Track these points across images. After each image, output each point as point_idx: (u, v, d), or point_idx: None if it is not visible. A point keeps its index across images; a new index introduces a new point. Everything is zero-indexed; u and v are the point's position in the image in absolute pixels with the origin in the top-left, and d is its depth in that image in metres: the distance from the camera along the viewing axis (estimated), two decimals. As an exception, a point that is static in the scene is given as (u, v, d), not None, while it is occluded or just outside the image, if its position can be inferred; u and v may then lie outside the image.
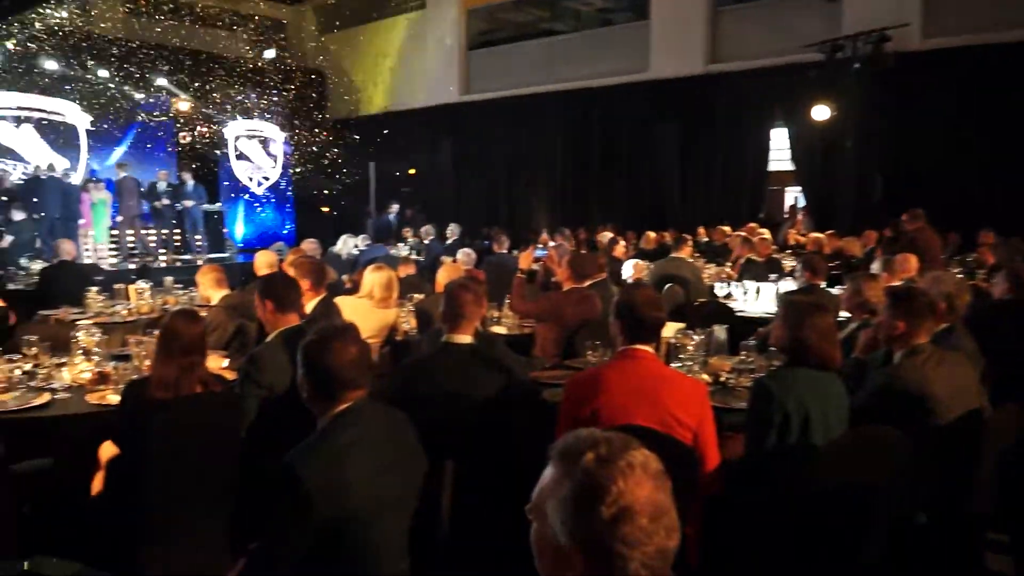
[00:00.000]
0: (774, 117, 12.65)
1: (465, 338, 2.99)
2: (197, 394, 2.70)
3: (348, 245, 9.77)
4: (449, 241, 11.31)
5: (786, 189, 14.98)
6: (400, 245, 12.25)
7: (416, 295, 5.87)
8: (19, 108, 13.13)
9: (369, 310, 4.68)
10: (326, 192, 16.72)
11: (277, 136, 16.63)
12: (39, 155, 13.16)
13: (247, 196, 16.19)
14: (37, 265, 8.72)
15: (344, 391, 2.04)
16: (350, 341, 2.08)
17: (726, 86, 12.54)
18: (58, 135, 13.65)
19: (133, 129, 14.95)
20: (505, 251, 9.48)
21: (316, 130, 16.76)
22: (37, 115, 13.38)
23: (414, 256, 10.57)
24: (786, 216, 13.06)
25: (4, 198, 11.29)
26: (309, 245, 7.33)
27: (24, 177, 12.23)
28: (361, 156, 16.87)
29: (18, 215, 10.78)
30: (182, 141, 15.62)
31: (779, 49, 11.73)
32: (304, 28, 17.21)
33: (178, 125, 15.58)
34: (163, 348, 2.69)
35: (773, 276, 7.07)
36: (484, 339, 3.36)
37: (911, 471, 2.36)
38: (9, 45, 12.33)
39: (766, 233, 9.23)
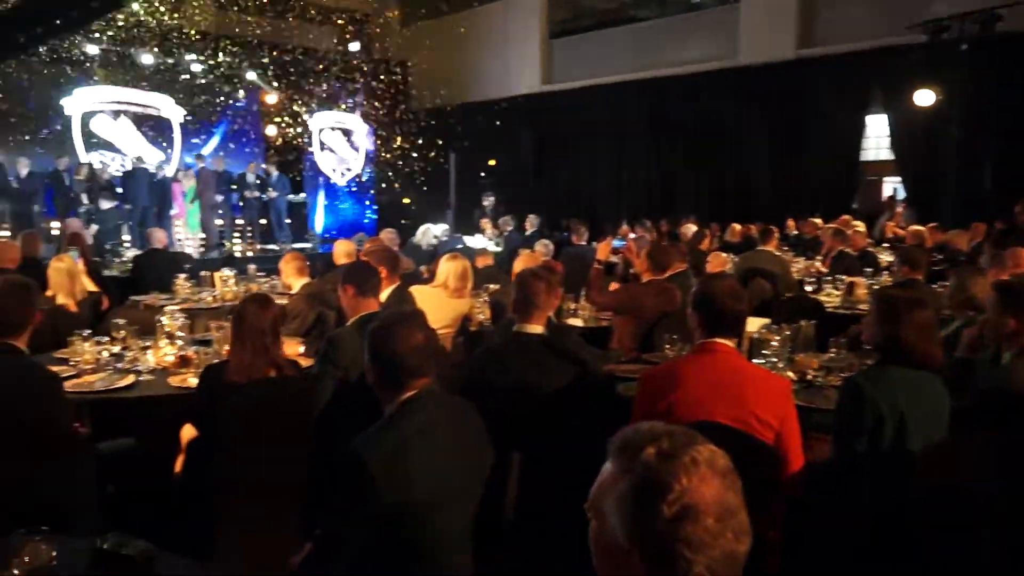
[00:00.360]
0: (871, 103, 12.08)
1: (536, 328, 2.94)
2: (271, 378, 2.75)
3: (428, 236, 9.88)
4: (528, 232, 11.30)
5: (884, 179, 14.30)
6: (478, 236, 12.33)
7: (492, 286, 5.88)
8: (117, 102, 13.83)
9: (443, 299, 4.70)
10: (407, 183, 16.96)
11: (360, 128, 16.96)
12: (135, 147, 13.86)
13: (330, 187, 16.60)
14: (131, 252, 9.15)
15: (409, 378, 2.03)
16: (416, 328, 2.06)
17: (819, 71, 12.06)
18: (153, 128, 14.36)
19: (224, 122, 15.51)
20: (584, 243, 9.40)
21: (398, 122, 16.99)
22: (134, 109, 14.08)
23: (493, 247, 10.61)
24: (883, 208, 12.46)
25: (103, 189, 11.91)
26: (387, 235, 7.44)
27: (121, 169, 12.85)
28: (442, 147, 17.04)
29: (105, 204, 11.40)
30: (269, 134, 16.10)
31: (878, 30, 11.19)
32: (388, 20, 17.45)
33: (265, 118, 16.08)
34: (236, 333, 2.75)
35: (868, 270, 6.75)
36: (556, 330, 3.31)
37: (1021, 480, 2.18)
38: (107, 40, 12.96)
39: (860, 225, 8.83)
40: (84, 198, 11.64)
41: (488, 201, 14.50)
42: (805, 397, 3.09)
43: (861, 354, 3.39)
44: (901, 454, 2.32)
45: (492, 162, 17.21)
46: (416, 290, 4.69)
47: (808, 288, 6.49)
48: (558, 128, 15.84)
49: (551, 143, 16.17)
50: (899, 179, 12.57)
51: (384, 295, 4.17)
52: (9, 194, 11.27)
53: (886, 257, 7.79)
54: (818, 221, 10.36)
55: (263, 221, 14.30)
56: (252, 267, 6.80)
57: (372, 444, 1.91)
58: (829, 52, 11.96)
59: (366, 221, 16.77)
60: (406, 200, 17.30)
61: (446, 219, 15.34)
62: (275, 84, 15.54)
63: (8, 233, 10.48)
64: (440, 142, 16.96)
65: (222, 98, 15.08)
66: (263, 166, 14.65)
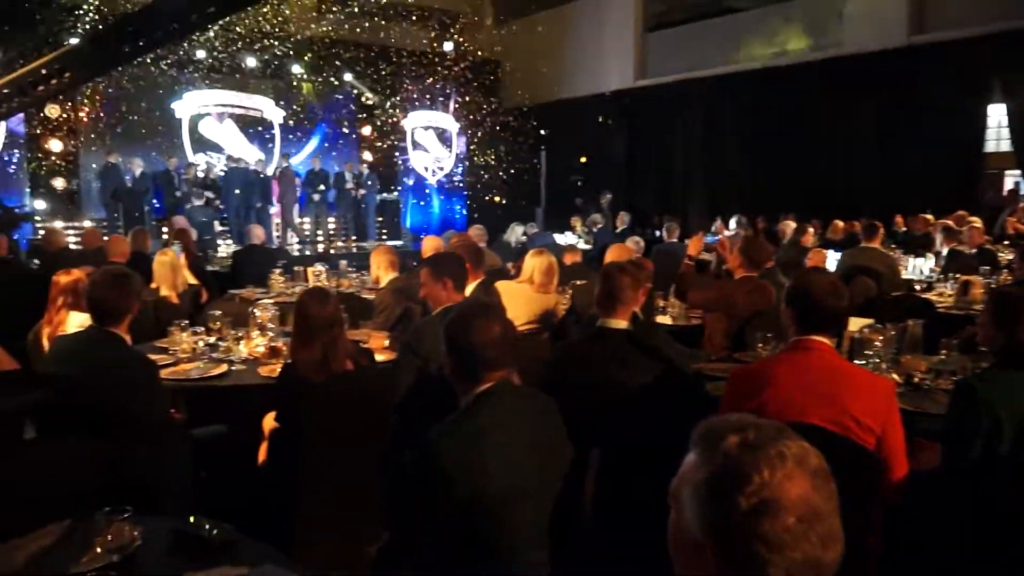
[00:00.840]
0: (991, 92, 11.32)
1: (620, 323, 2.87)
2: (347, 372, 2.77)
3: (516, 233, 9.90)
4: (619, 230, 11.17)
5: (1006, 173, 13.40)
6: (568, 234, 12.28)
7: (578, 281, 5.81)
8: (222, 105, 14.53)
9: (528, 295, 4.67)
10: (498, 181, 17.07)
11: (452, 126, 17.18)
12: (239, 148, 14.50)
13: (422, 185, 16.90)
14: (231, 248, 9.56)
15: (485, 371, 2.00)
16: (493, 320, 2.03)
17: (933, 59, 11.38)
18: (256, 129, 15.00)
19: (323, 124, 16.02)
20: (675, 240, 9.20)
21: (490, 120, 17.12)
22: (238, 111, 14.73)
23: (583, 245, 10.54)
24: (1005, 202, 11.66)
25: (206, 187, 12.52)
26: (475, 231, 7.49)
27: (227, 167, 13.44)
28: (533, 145, 17.06)
29: (196, 201, 11.94)
30: (364, 133, 16.51)
31: (999, 14, 10.48)
32: (481, 18, 17.61)
33: (360, 117, 16.53)
34: (299, 330, 2.79)
35: (986, 268, 6.32)
36: (642, 326, 3.21)
37: None
38: (212, 45, 13.62)
39: (977, 221, 8.28)
40: (191, 196, 12.22)
41: (606, 200, 14.41)
42: (911, 400, 2.90)
43: (975, 357, 3.15)
44: (1022, 461, 2.14)
45: (583, 159, 17.11)
46: (501, 285, 4.68)
47: (918, 288, 6.13)
48: (651, 124, 15.58)
49: (643, 139, 15.92)
50: (1020, 173, 11.74)
51: (469, 290, 4.18)
52: (124, 193, 11.94)
53: (1007, 255, 7.27)
54: (929, 217, 9.79)
55: (353, 218, 14.74)
56: (343, 263, 6.96)
57: (446, 436, 1.89)
58: (944, 38, 11.27)
59: (457, 219, 17.02)
60: (497, 198, 17.41)
61: (536, 217, 15.34)
62: (370, 85, 15.94)
63: (121, 230, 11.11)
64: (531, 140, 16.99)
65: (320, 99, 15.59)
66: (357, 165, 15.05)
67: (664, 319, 5.03)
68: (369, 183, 14.57)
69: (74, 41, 11.44)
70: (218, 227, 12.37)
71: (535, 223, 11.40)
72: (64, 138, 12.82)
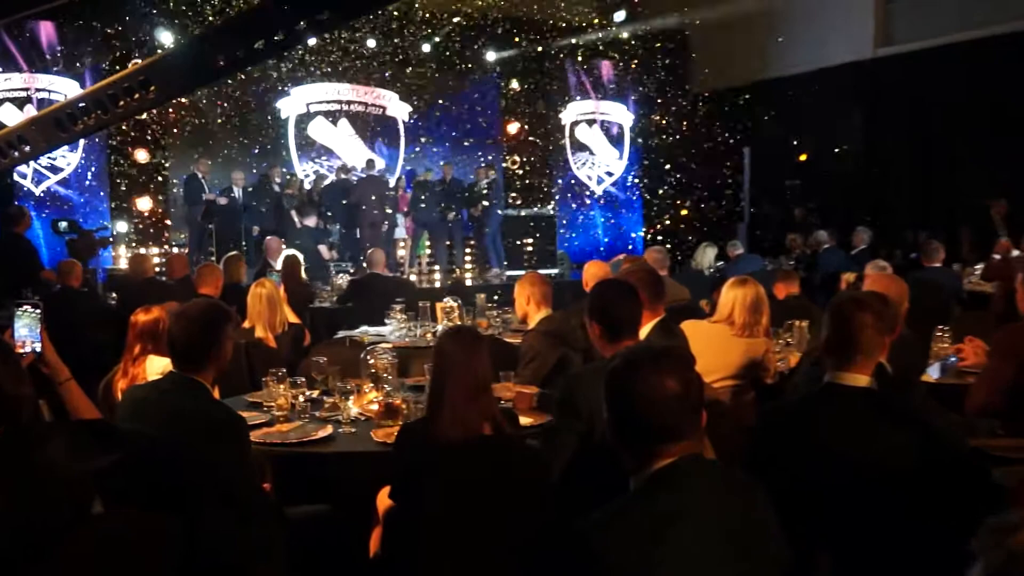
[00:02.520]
0: None
1: (860, 378, 2.71)
2: (486, 438, 2.77)
3: (709, 257, 9.74)
4: (855, 251, 10.74)
5: None
6: (782, 257, 11.95)
7: (800, 322, 5.62)
8: (338, 101, 15.45)
9: (727, 339, 4.56)
10: (685, 189, 16.92)
11: (624, 119, 17.26)
12: (354, 153, 15.30)
13: (584, 196, 17.08)
14: (345, 278, 9.99)
15: (662, 441, 1.93)
16: (671, 369, 1.96)
17: None
18: (376, 129, 15.80)
19: (453, 119, 16.59)
20: (938, 264, 8.72)
21: (674, 109, 17.05)
22: (355, 107, 15.56)
23: (802, 272, 10.21)
24: None
25: (311, 203, 13.24)
26: (652, 255, 7.42)
27: (354, 177, 14.12)
28: (732, 140, 16.81)
29: (306, 221, 12.56)
30: (509, 131, 16.91)
31: None
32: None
33: (505, 112, 16.99)
34: (439, 378, 2.83)
35: None
36: (892, 382, 3.02)
37: None
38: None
39: None
40: (294, 215, 12.93)
41: (797, 210, 13.99)
42: None
43: None
44: None
45: (802, 157, 16.63)
46: (689, 327, 4.59)
47: None
48: (897, 107, 14.91)
49: (887, 127, 15.25)
50: None
51: (644, 331, 4.11)
52: (217, 212, 12.82)
53: None
54: None
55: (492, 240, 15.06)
56: (481, 296, 7.08)
57: (608, 527, 1.84)
58: None
59: (630, 239, 17.02)
60: (683, 211, 17.24)
61: (737, 235, 15.01)
62: (514, 69, 16.36)
63: (213, 257, 11.90)
64: (729, 134, 16.75)
65: (451, 90, 16.22)
66: (490, 172, 15.21)
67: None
68: (492, 195, 14.67)
69: (167, 43, 12.60)
70: (325, 252, 12.97)
71: (736, 242, 11.13)
72: (152, 147, 13.94)
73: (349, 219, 13.49)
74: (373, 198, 13.28)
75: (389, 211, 13.70)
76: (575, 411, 3.10)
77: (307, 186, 14.01)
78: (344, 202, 13.39)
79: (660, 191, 17.26)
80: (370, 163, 14.19)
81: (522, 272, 13.30)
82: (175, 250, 12.81)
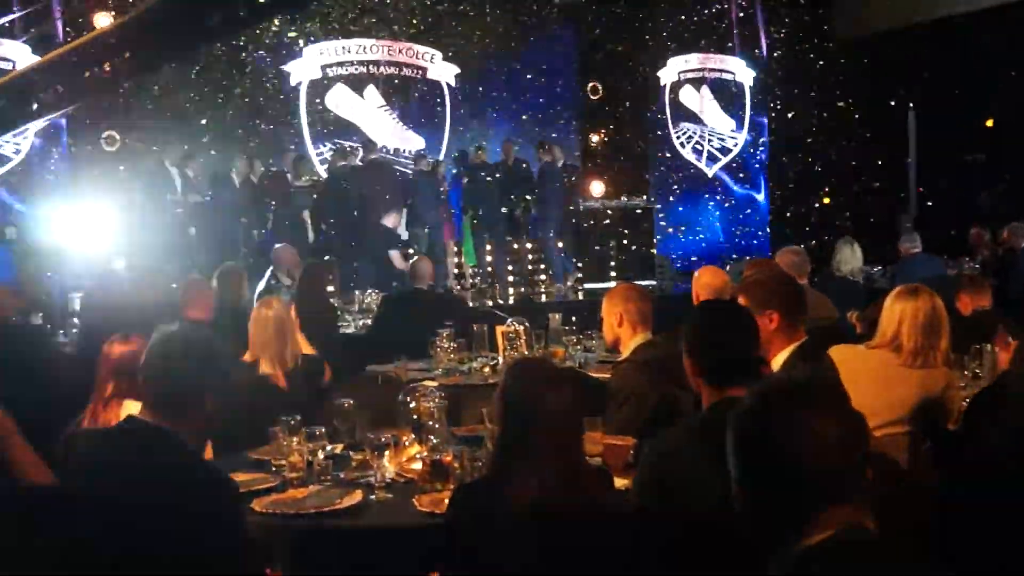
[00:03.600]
0: None
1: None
2: (572, 503, 2.74)
3: (854, 258, 9.54)
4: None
5: None
6: (963, 259, 11.74)
7: (999, 349, 5.46)
8: (362, 62, 15.67)
9: (893, 370, 4.45)
10: (827, 167, 16.72)
11: (743, 77, 17.17)
12: (387, 130, 15.45)
13: (690, 181, 17.04)
14: (375, 295, 10.05)
15: (814, 506, 1.89)
16: (826, 407, 1.91)
17: None
18: (414, 98, 15.92)
19: (514, 83, 16.64)
20: None
21: (812, 61, 16.87)
22: (386, 70, 15.77)
23: (993, 280, 10.01)
24: None
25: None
26: (786, 257, 7.28)
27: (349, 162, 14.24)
28: (891, 102, 16.58)
29: (387, 221, 12.73)
30: (588, 97, 16.90)
31: None
32: None
33: (580, 72, 16.99)
34: (502, 428, 2.81)
35: None
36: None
37: None
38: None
39: None
40: (306, 214, 13.06)
41: (984, 192, 13.68)
42: None
43: None
44: None
45: (989, 122, 16.36)
46: (841, 353, 4.49)
47: None
48: None
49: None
50: None
51: (778, 360, 4.04)
52: (209, 211, 12.99)
53: None
54: None
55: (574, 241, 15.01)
56: (556, 316, 7.03)
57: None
58: None
59: (754, 237, 16.96)
60: (826, 199, 17.05)
61: (899, 226, 14.75)
62: (598, 13, 16.35)
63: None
64: (888, 94, 16.55)
65: (513, 43, 16.25)
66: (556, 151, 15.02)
67: None
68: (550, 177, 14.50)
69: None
70: (398, 259, 13.05)
71: (915, 236, 10.80)
72: (121, 128, 13.99)
73: (348, 220, 13.45)
74: (378, 188, 13.33)
75: (436, 205, 13.80)
76: (664, 489, 3.02)
77: (324, 174, 14.11)
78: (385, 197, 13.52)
79: (793, 172, 17.08)
80: (406, 143, 14.30)
81: (610, 284, 13.29)
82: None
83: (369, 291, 10.42)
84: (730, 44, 17.37)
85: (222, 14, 2.68)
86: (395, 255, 12.95)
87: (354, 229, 13.06)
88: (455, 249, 14.73)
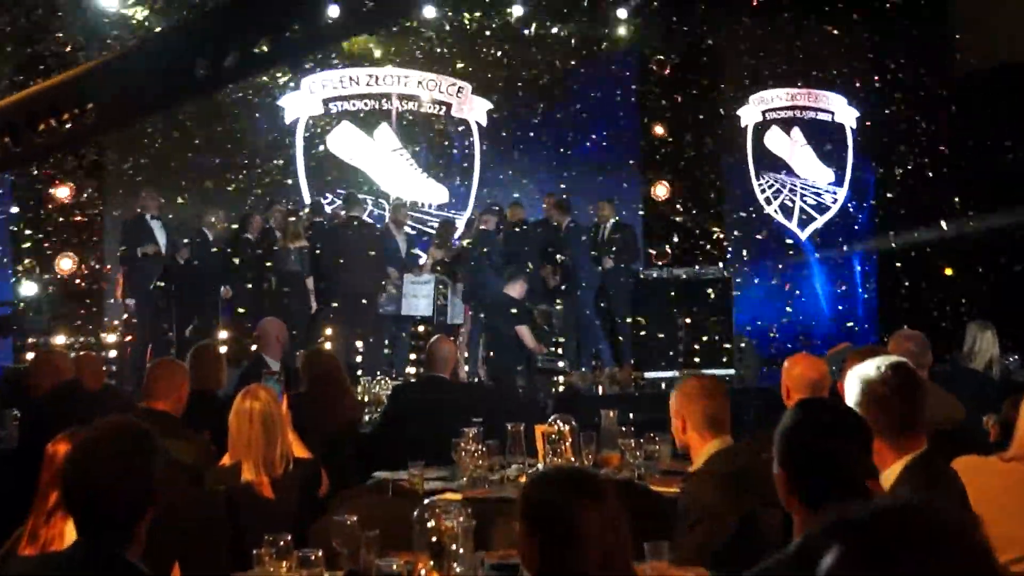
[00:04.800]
0: None
1: None
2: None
3: (989, 345, 9.49)
4: None
5: None
6: None
7: None
8: (373, 96, 15.83)
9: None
10: (956, 224, 16.64)
11: (844, 115, 17.26)
12: (403, 177, 15.66)
13: (779, 244, 17.09)
14: (384, 384, 10.03)
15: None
16: (947, 547, 1.90)
17: None
18: (438, 138, 16.21)
19: (561, 122, 16.69)
20: None
21: (925, 96, 16.86)
22: (404, 105, 15.90)
23: None
24: None
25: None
26: (902, 344, 7.25)
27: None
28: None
29: (512, 290, 12.72)
30: (657, 134, 16.89)
31: None
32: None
33: (643, 107, 17.06)
34: (537, 554, 2.79)
35: None
36: None
37: None
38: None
39: None
40: (310, 283, 13.17)
41: None
42: None
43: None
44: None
45: None
46: (970, 466, 4.47)
47: None
48: None
49: None
50: None
51: (889, 475, 4.01)
52: (176, 272, 13.10)
53: None
54: None
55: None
56: (611, 414, 6.99)
57: None
58: None
59: (859, 317, 16.89)
60: (948, 271, 16.95)
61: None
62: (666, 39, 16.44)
63: (173, 349, 12.08)
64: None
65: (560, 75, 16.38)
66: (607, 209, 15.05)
67: None
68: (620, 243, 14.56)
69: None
70: (528, 337, 12.98)
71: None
72: (80, 178, 14.06)
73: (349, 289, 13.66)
74: (363, 253, 13.44)
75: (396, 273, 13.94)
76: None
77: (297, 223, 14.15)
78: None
79: (907, 236, 17.00)
80: (429, 195, 14.36)
81: (675, 373, 13.22)
82: (111, 339, 13.03)
83: (379, 377, 10.42)
84: (827, 77, 17.36)
85: (213, 62, 2.71)
86: (524, 332, 12.78)
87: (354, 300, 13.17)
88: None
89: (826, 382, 5.97)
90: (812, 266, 17.21)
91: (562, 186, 15.92)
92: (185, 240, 13.33)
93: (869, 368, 4.80)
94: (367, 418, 9.19)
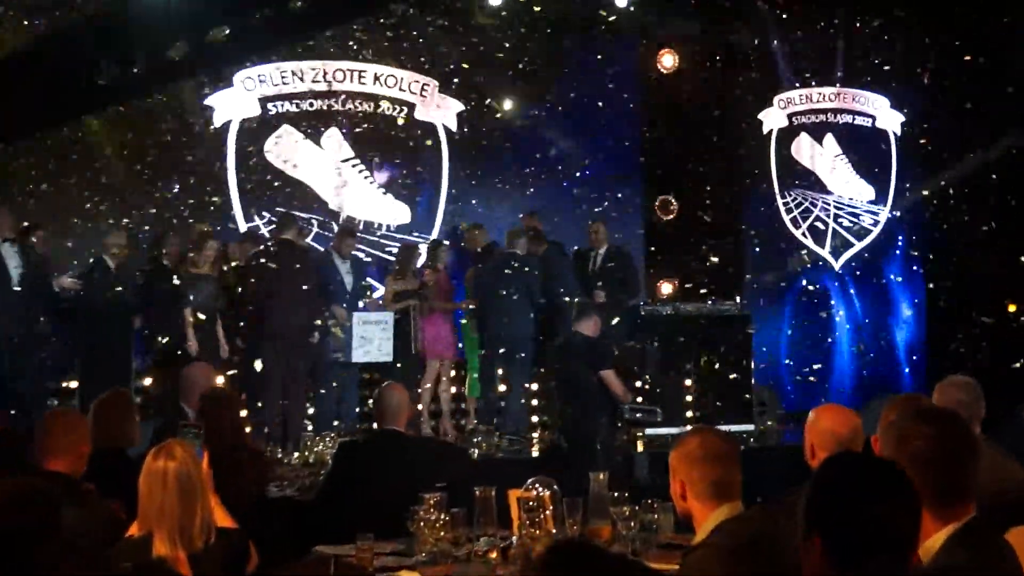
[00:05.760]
0: None
1: None
2: None
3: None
4: None
5: None
6: None
7: None
8: (319, 95, 15.68)
9: None
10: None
11: (887, 120, 17.40)
12: (357, 193, 15.51)
13: (805, 276, 17.19)
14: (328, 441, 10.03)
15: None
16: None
17: None
18: (406, 148, 16.07)
19: (547, 126, 16.71)
20: None
21: (987, 96, 16.91)
22: (355, 105, 15.87)
23: None
24: None
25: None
26: (949, 393, 7.25)
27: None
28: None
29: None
30: (661, 148, 16.94)
31: None
32: None
33: (647, 107, 17.19)
34: None
35: None
36: None
37: None
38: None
39: None
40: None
41: None
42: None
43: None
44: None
45: None
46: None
47: None
48: None
49: None
50: None
51: (931, 545, 4.02)
52: (65, 307, 13.09)
53: None
54: None
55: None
56: (600, 476, 6.98)
57: None
58: None
59: (902, 361, 16.99)
60: (1011, 306, 16.99)
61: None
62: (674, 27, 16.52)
63: (74, 399, 12.10)
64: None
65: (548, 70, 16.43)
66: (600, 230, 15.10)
67: None
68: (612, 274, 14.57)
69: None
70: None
71: None
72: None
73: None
74: (294, 286, 13.32)
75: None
76: None
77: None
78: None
79: (960, 265, 17.03)
80: (388, 215, 14.37)
81: (678, 430, 13.18)
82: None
83: (322, 435, 10.41)
84: (868, 73, 17.43)
85: (116, 70, 2.72)
86: (611, 377, 12.54)
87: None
88: (451, 372, 14.73)
89: (859, 439, 5.92)
90: (848, 300, 17.18)
91: (545, 204, 15.93)
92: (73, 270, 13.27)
93: (908, 421, 4.83)
94: (308, 480, 9.19)
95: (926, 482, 4.08)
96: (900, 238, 17.53)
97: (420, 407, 13.50)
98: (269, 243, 13.96)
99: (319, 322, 13.53)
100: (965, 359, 13.59)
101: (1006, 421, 9.34)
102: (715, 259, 16.24)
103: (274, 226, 14.61)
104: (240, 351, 13.42)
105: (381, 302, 14.59)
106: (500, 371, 14.40)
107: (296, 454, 10.14)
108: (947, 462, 4.19)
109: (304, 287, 13.25)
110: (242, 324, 13.45)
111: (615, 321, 14.17)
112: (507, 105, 16.51)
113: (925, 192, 17.41)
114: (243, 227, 15.23)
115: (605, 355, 12.36)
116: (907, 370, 16.76)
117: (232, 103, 15.45)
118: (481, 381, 14.64)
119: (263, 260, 13.34)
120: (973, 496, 4.21)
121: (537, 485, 6.52)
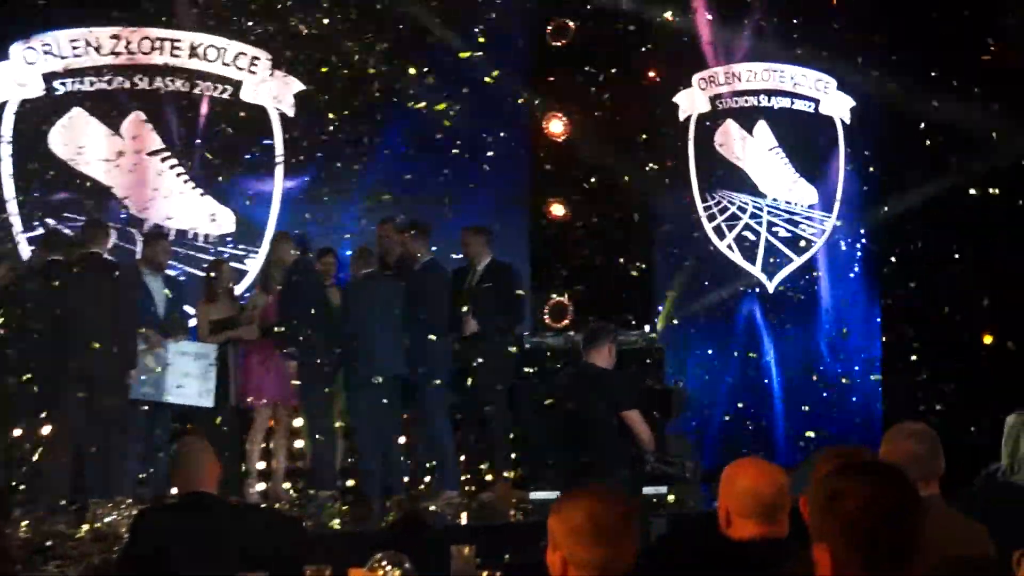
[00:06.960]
0: None
1: None
2: None
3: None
4: None
5: None
6: None
7: None
8: (119, 68, 15.56)
9: None
10: (986, 267, 16.92)
11: (834, 105, 17.58)
12: (167, 195, 15.42)
13: (730, 299, 17.36)
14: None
15: None
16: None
17: None
18: (216, 132, 16.02)
19: (410, 119, 16.72)
20: None
21: (957, 77, 17.14)
22: (169, 84, 15.71)
23: None
24: None
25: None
26: (901, 445, 7.34)
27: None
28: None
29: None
30: (552, 131, 16.95)
31: None
32: None
33: (534, 93, 17.24)
34: None
35: None
36: None
37: None
38: None
39: None
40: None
41: None
42: None
43: None
44: None
45: None
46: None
47: None
48: None
49: None
50: None
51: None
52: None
53: None
54: None
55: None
56: (465, 549, 7.04)
57: None
58: None
59: (850, 404, 17.05)
60: (987, 337, 17.19)
61: None
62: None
63: None
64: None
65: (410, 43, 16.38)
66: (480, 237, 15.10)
67: None
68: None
69: None
70: None
71: None
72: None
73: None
74: (90, 309, 13.22)
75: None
76: None
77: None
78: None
79: (925, 287, 17.22)
80: (194, 216, 14.34)
81: (555, 494, 13.19)
82: None
83: (117, 499, 10.41)
84: (809, 47, 17.57)
85: None
86: (635, 419, 12.13)
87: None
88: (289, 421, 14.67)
89: (785, 501, 5.94)
90: (783, 330, 17.29)
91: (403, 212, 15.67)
92: None
93: (840, 476, 4.86)
94: (96, 560, 9.17)
95: (859, 547, 4.11)
96: (850, 253, 17.57)
97: (245, 467, 13.44)
98: (59, 257, 13.43)
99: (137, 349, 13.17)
100: (924, 402, 13.66)
101: (977, 479, 9.42)
102: (618, 275, 16.20)
103: (79, 234, 14.07)
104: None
105: (197, 335, 14.31)
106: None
107: (85, 526, 10.07)
108: (888, 531, 4.22)
109: (102, 309, 12.96)
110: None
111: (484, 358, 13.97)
112: (357, 85, 16.31)
113: (881, 195, 17.49)
114: (16, 226, 15.01)
115: (629, 391, 12.21)
116: (857, 421, 16.81)
117: (10, 80, 15.24)
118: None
119: (54, 280, 12.97)
120: (914, 567, 4.25)
121: (384, 562, 6.52)
